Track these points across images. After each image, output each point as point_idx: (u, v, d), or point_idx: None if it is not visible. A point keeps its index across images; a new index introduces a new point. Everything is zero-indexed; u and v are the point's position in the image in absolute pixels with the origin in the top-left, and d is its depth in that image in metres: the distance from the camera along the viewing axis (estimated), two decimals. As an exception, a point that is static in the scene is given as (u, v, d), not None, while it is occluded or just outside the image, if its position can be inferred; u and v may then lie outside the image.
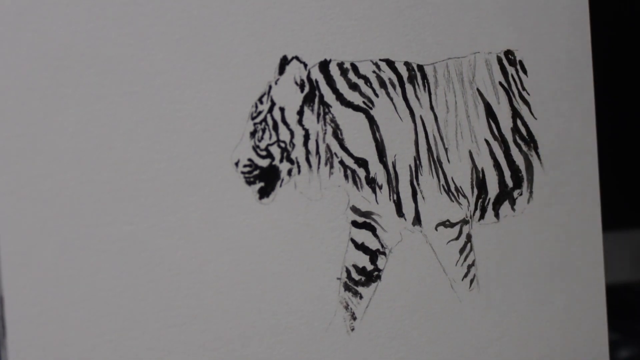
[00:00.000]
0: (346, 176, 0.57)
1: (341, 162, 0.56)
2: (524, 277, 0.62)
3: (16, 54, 0.48)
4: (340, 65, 0.56)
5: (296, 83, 0.55)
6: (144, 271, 0.51)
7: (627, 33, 1.07)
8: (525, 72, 0.62)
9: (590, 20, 0.64)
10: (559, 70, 0.63)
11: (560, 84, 0.63)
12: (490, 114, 0.61)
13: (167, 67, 0.51)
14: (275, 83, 0.54)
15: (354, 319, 0.57)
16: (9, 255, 0.48)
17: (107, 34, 0.50)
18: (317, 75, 0.55)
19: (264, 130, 0.54)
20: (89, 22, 0.49)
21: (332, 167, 0.56)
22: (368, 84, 0.57)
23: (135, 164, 0.51)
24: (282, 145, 0.55)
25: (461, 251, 0.60)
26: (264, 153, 0.54)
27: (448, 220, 0.60)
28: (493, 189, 0.61)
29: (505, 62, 0.62)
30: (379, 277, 0.58)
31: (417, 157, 0.59)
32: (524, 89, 0.62)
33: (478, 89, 0.61)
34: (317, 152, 0.56)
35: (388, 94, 0.58)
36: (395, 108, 0.58)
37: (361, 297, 0.57)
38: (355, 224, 0.57)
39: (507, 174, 0.62)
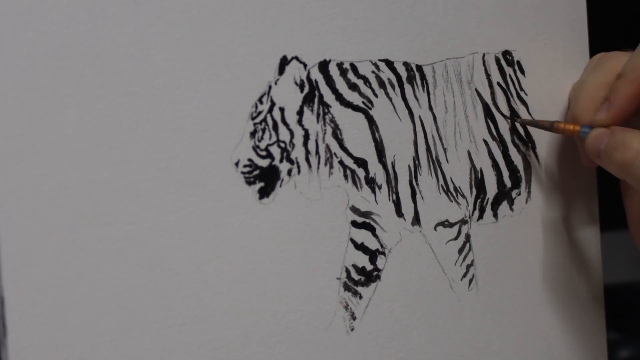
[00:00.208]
0: (346, 176, 0.57)
1: (341, 162, 0.56)
2: (523, 277, 0.62)
3: (16, 54, 0.48)
4: (340, 66, 0.56)
5: (296, 83, 0.55)
6: (144, 271, 0.51)
7: (625, 34, 1.07)
8: (523, 72, 0.62)
9: (587, 21, 0.64)
10: (556, 71, 0.63)
11: (557, 85, 0.63)
12: (488, 114, 0.61)
13: (167, 67, 0.51)
14: (275, 83, 0.54)
15: (354, 319, 0.57)
16: (10, 255, 0.48)
17: (107, 34, 0.50)
18: (316, 75, 0.55)
19: (264, 131, 0.54)
20: (89, 22, 0.49)
21: (331, 167, 0.56)
22: (367, 84, 0.57)
23: (135, 164, 0.51)
24: (282, 145, 0.55)
25: (460, 251, 0.60)
26: (264, 153, 0.54)
27: (447, 220, 0.60)
28: (492, 189, 0.62)
29: (503, 62, 0.62)
30: (378, 277, 0.58)
31: (416, 157, 0.59)
32: (521, 89, 0.62)
33: (476, 89, 0.61)
34: (317, 152, 0.56)
35: (387, 94, 0.58)
36: (394, 108, 0.58)
37: (361, 297, 0.57)
38: (354, 224, 0.57)
39: (505, 174, 0.62)
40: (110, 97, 0.50)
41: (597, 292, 0.65)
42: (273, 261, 0.54)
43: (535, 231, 0.63)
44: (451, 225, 0.60)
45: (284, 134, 0.55)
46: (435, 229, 0.60)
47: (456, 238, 0.60)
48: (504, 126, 0.62)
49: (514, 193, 0.62)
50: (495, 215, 0.62)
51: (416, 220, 0.59)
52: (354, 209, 0.57)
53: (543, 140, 0.63)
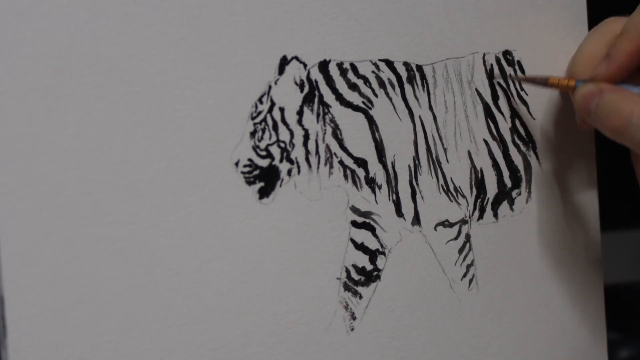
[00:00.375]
0: (346, 176, 0.57)
1: (341, 162, 0.56)
2: (523, 277, 0.62)
3: (16, 54, 0.48)
4: (340, 66, 0.56)
5: (296, 83, 0.55)
6: (144, 271, 0.51)
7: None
8: (523, 72, 0.62)
9: (588, 21, 0.64)
10: (557, 71, 0.63)
11: (558, 85, 0.63)
12: (489, 114, 0.61)
13: (167, 67, 0.51)
14: (275, 83, 0.54)
15: (354, 319, 0.57)
16: (10, 255, 0.48)
17: (107, 34, 0.50)
18: (316, 75, 0.55)
19: (263, 131, 0.54)
20: (89, 22, 0.49)
21: (331, 167, 0.56)
22: (367, 84, 0.57)
23: (135, 164, 0.51)
24: (282, 145, 0.55)
25: (460, 251, 0.60)
26: (264, 153, 0.54)
27: (447, 220, 0.60)
28: (492, 189, 0.62)
29: (503, 62, 0.62)
30: (378, 277, 0.58)
31: (416, 157, 0.59)
32: (522, 89, 0.62)
33: (477, 89, 0.61)
34: (317, 152, 0.56)
35: (387, 94, 0.58)
36: (394, 108, 0.58)
37: (361, 297, 0.57)
38: (354, 224, 0.57)
39: (505, 174, 0.62)
40: (110, 97, 0.50)
41: (597, 292, 0.65)
42: (273, 261, 0.54)
43: (535, 231, 0.63)
44: (451, 225, 0.60)
45: (284, 134, 0.55)
46: (435, 229, 0.60)
47: (456, 238, 0.60)
48: (504, 126, 0.62)
49: (514, 193, 0.62)
50: (495, 215, 0.62)
51: (416, 220, 0.59)
52: (354, 209, 0.57)
53: (543, 140, 0.63)
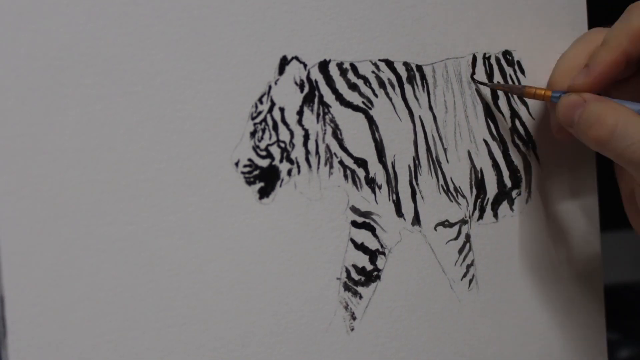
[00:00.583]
0: (346, 176, 0.57)
1: (341, 162, 0.56)
2: (523, 277, 0.62)
3: (16, 54, 0.48)
4: (340, 66, 0.56)
5: (296, 83, 0.55)
6: (144, 271, 0.51)
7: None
8: (523, 72, 0.62)
9: (588, 21, 0.64)
10: (557, 71, 0.63)
11: (558, 85, 0.63)
12: (489, 114, 0.61)
13: (167, 67, 0.51)
14: (275, 83, 0.54)
15: (354, 319, 0.57)
16: (10, 255, 0.48)
17: (107, 34, 0.50)
18: (316, 75, 0.55)
19: (263, 131, 0.54)
20: (89, 22, 0.49)
21: (331, 167, 0.56)
22: (367, 84, 0.57)
23: (135, 164, 0.51)
24: (282, 145, 0.55)
25: (460, 251, 0.60)
26: (264, 153, 0.54)
27: (447, 220, 0.60)
28: (492, 189, 0.62)
29: (503, 62, 0.62)
30: (378, 277, 0.58)
31: (416, 157, 0.59)
32: (522, 89, 0.62)
33: (477, 89, 0.61)
34: (317, 152, 0.56)
35: (387, 94, 0.58)
36: (394, 108, 0.58)
37: (361, 297, 0.57)
38: (354, 224, 0.57)
39: (505, 174, 0.62)
40: (110, 97, 0.50)
41: (597, 292, 0.65)
42: (273, 261, 0.54)
43: (535, 231, 0.63)
44: (451, 225, 0.60)
45: (284, 134, 0.55)
46: (435, 229, 0.60)
47: (456, 238, 0.60)
48: (504, 126, 0.62)
49: (514, 193, 0.62)
50: (495, 215, 0.62)
51: (416, 220, 0.59)
52: (354, 209, 0.57)
53: (543, 141, 0.63)
